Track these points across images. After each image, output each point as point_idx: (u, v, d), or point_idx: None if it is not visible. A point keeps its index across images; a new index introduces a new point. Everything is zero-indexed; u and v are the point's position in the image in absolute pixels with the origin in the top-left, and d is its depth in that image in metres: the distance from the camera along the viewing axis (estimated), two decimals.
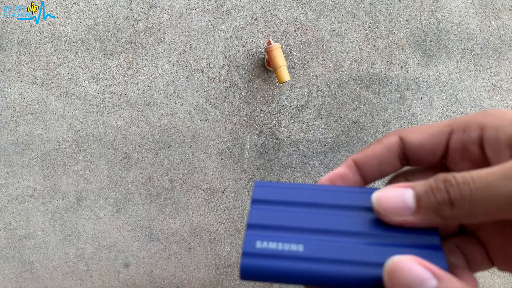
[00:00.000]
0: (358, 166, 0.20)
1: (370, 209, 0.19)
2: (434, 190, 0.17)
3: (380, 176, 0.21)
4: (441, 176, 0.17)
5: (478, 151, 0.18)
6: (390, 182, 0.22)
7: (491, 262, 0.20)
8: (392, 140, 0.20)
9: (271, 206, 0.20)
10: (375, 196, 0.18)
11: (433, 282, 0.15)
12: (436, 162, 0.20)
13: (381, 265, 0.17)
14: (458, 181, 0.16)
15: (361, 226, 0.19)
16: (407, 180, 0.21)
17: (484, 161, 0.18)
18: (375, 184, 0.68)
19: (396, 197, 0.18)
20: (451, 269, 0.19)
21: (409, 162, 0.21)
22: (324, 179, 0.21)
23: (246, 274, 0.17)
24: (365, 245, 0.18)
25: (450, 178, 0.16)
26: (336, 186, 0.21)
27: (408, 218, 0.17)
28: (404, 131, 0.20)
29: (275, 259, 0.17)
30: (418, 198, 0.17)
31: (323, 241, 0.18)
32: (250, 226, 0.19)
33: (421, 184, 0.17)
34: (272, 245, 0.18)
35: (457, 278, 0.16)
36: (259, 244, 0.18)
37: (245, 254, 0.18)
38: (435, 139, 0.19)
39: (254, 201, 0.20)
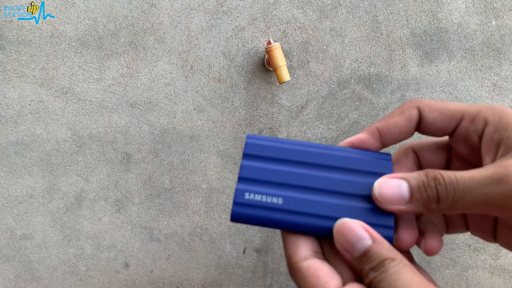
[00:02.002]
0: (381, 134, 0.23)
1: (347, 169, 0.23)
2: (425, 186, 0.20)
3: (397, 142, 0.23)
4: (431, 173, 0.20)
5: (477, 140, 0.21)
6: (398, 154, 0.25)
7: (467, 228, 0.25)
8: (413, 113, 0.23)
9: (260, 162, 0.24)
10: (377, 186, 0.21)
11: (368, 241, 0.19)
12: (442, 136, 0.23)
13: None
14: (446, 182, 0.19)
15: (335, 186, 0.23)
16: (415, 151, 0.25)
17: (478, 150, 0.22)
18: None
19: (394, 188, 0.20)
20: (424, 230, 0.23)
21: (420, 131, 0.23)
22: (345, 142, 0.24)
23: (235, 218, 0.22)
24: (333, 202, 0.22)
25: (439, 177, 0.19)
26: (322, 145, 0.24)
27: (402, 207, 0.20)
28: (423, 103, 0.23)
29: (258, 208, 0.22)
30: (411, 191, 0.20)
31: (299, 196, 0.22)
32: (240, 179, 0.23)
33: (414, 178, 0.20)
34: (257, 197, 0.22)
35: (389, 244, 0.20)
36: (247, 196, 0.22)
37: (235, 203, 0.22)
38: (447, 120, 0.22)
39: (245, 155, 0.24)
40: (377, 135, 0.23)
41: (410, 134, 0.23)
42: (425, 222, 0.24)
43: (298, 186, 0.23)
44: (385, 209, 0.21)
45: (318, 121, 0.63)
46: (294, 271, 0.21)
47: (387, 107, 0.63)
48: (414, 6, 0.61)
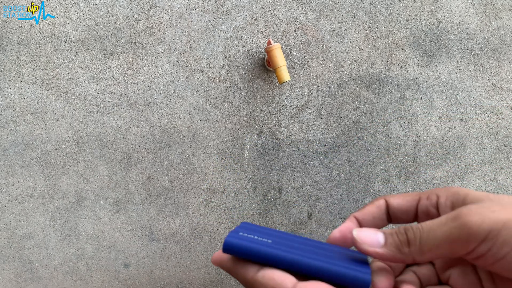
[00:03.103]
0: (359, 221, 0.29)
1: (328, 249, 0.27)
2: (397, 233, 0.24)
3: (375, 227, 0.28)
4: (403, 226, 0.24)
5: (436, 212, 0.26)
6: None
7: (439, 279, 0.28)
8: (380, 202, 0.29)
9: (251, 230, 0.27)
10: (355, 231, 0.25)
11: (380, 236, 0.25)
12: (410, 221, 0.28)
13: (321, 261, 0.24)
14: (413, 228, 0.24)
15: (316, 246, 0.27)
16: None
17: None
18: None
19: (370, 233, 0.25)
20: (399, 283, 0.27)
21: (392, 220, 0.29)
22: (335, 232, 0.29)
23: (228, 248, 0.24)
24: (313, 250, 0.25)
25: (408, 227, 0.24)
26: (306, 238, 0.29)
27: (378, 250, 0.24)
28: (388, 196, 0.29)
29: (249, 241, 0.24)
30: (386, 237, 0.24)
31: (286, 242, 0.26)
32: (239, 226, 0.27)
33: (389, 230, 0.25)
34: (250, 235, 0.25)
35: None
36: (241, 233, 0.26)
37: (229, 235, 0.25)
38: (408, 203, 0.28)
39: (237, 228, 0.27)
40: (357, 223, 0.28)
41: (383, 222, 0.29)
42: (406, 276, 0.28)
43: (286, 239, 0.27)
44: (363, 250, 0.24)
45: (318, 121, 0.63)
46: (252, 285, 0.24)
47: (387, 107, 0.64)
48: (414, 6, 0.61)
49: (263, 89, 0.62)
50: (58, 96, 0.60)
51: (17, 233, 0.64)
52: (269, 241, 0.25)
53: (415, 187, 0.66)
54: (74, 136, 0.61)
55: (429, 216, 0.27)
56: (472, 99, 0.64)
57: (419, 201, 0.27)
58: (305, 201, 0.66)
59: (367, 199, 0.66)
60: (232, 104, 0.62)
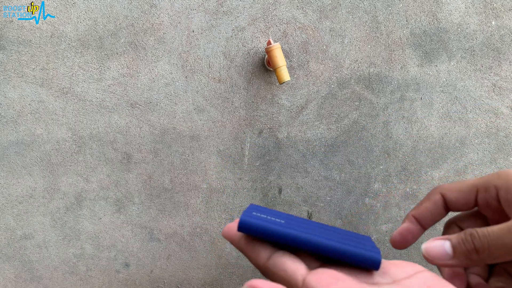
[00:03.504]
0: (417, 219, 0.29)
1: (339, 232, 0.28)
2: (464, 242, 0.24)
3: (434, 222, 0.29)
4: (468, 231, 0.25)
5: (497, 204, 0.26)
6: (445, 228, 0.30)
7: None
8: (437, 197, 0.28)
9: (262, 211, 0.28)
10: (424, 247, 0.26)
11: (447, 242, 0.25)
12: (470, 209, 0.28)
13: (332, 241, 0.24)
14: (479, 235, 0.24)
15: (324, 228, 0.27)
16: (458, 225, 0.30)
17: (502, 211, 0.26)
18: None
19: (438, 247, 0.25)
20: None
21: (452, 210, 0.29)
22: (396, 234, 0.29)
23: (243, 226, 0.24)
24: (324, 231, 0.26)
25: (474, 233, 0.24)
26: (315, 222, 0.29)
27: (448, 262, 0.25)
28: (443, 188, 0.28)
29: (263, 221, 0.25)
30: (454, 247, 0.25)
31: (297, 223, 0.26)
32: (249, 207, 0.27)
33: (454, 237, 0.25)
34: (263, 215, 0.26)
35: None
36: (254, 213, 0.26)
37: (243, 214, 0.25)
38: (466, 197, 0.27)
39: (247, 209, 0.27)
40: (416, 221, 0.29)
41: (441, 215, 0.29)
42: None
43: (298, 220, 0.27)
44: (435, 264, 0.25)
45: (318, 121, 0.63)
46: (264, 271, 0.24)
47: (387, 107, 0.64)
48: (414, 6, 0.61)
49: (263, 89, 0.62)
50: (58, 96, 0.60)
51: (17, 233, 0.64)
52: (282, 221, 0.25)
53: (415, 187, 0.66)
54: (74, 136, 0.61)
55: (491, 208, 0.27)
56: (472, 99, 0.64)
57: (477, 193, 0.27)
58: (305, 201, 0.66)
59: (367, 199, 0.66)
60: (232, 104, 0.62)
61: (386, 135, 0.64)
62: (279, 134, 0.63)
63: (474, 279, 0.28)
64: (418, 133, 0.65)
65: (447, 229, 0.30)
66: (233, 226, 0.27)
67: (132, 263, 0.66)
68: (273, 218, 0.25)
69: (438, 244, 0.25)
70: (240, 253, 0.67)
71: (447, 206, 0.28)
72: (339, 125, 0.64)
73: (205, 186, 0.64)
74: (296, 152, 0.64)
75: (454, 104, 0.64)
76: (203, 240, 0.66)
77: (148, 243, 0.65)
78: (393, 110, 0.64)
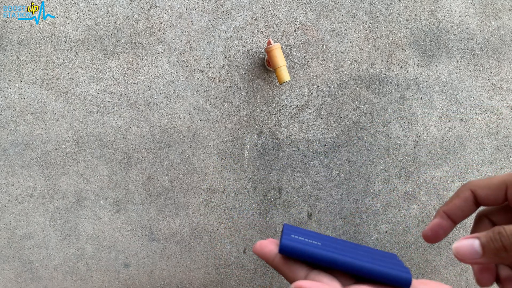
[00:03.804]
0: (448, 215, 0.30)
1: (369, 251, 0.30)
2: (492, 240, 0.25)
3: (464, 218, 0.30)
4: (496, 229, 0.25)
5: None
6: (476, 221, 0.31)
7: None
8: (467, 194, 0.29)
9: (298, 233, 0.29)
10: (454, 247, 0.27)
11: (476, 241, 0.26)
12: (500, 204, 0.29)
13: (364, 262, 0.26)
14: (507, 233, 0.24)
15: (356, 248, 0.29)
16: (488, 218, 0.30)
17: None
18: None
19: (468, 246, 0.26)
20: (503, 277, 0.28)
21: (481, 206, 0.29)
22: (427, 230, 0.30)
23: (285, 250, 0.26)
24: (356, 252, 0.28)
25: (502, 230, 0.25)
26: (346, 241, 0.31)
27: (478, 260, 0.26)
28: (473, 185, 0.29)
29: (304, 244, 0.26)
30: (483, 246, 0.25)
31: (332, 245, 0.28)
32: (286, 228, 0.29)
33: (483, 235, 0.26)
34: (301, 238, 0.28)
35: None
36: (293, 236, 0.28)
37: (284, 238, 0.27)
38: (496, 192, 0.28)
39: (284, 232, 0.29)
40: (446, 217, 0.30)
41: (472, 210, 0.29)
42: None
43: (333, 242, 0.29)
44: (465, 263, 0.26)
45: (318, 121, 0.63)
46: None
47: (387, 107, 0.64)
48: (414, 6, 0.61)
49: (263, 89, 0.62)
50: (58, 96, 0.60)
51: (17, 233, 0.64)
52: (319, 243, 0.27)
53: (415, 187, 0.66)
54: (74, 136, 0.61)
55: None
56: (472, 99, 0.64)
57: (506, 189, 0.28)
58: (305, 201, 0.66)
59: (367, 199, 0.66)
60: (232, 104, 0.62)
61: (386, 135, 0.64)
62: (279, 134, 0.63)
63: (504, 271, 0.28)
64: (418, 133, 0.65)
65: (478, 222, 0.30)
66: (266, 244, 0.28)
67: (132, 263, 0.66)
68: (310, 241, 0.27)
69: (467, 243, 0.26)
70: (240, 253, 0.67)
71: (477, 202, 0.29)
72: (339, 125, 0.64)
73: (205, 186, 0.64)
74: (296, 152, 0.64)
75: (454, 104, 0.64)
76: (203, 240, 0.66)
77: (148, 243, 0.65)
78: (393, 110, 0.64)
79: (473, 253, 0.25)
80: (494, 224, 0.30)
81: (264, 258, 0.28)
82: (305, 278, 0.26)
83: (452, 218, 0.29)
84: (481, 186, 0.28)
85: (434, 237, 0.30)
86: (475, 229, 0.31)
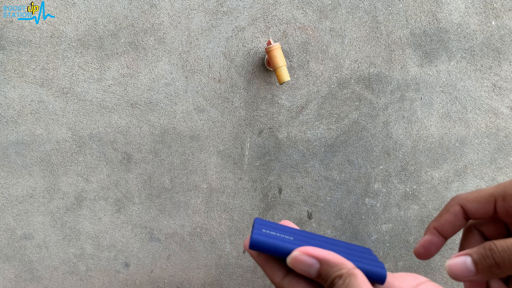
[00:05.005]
0: (438, 231, 0.29)
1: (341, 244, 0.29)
2: (484, 257, 0.25)
3: (455, 232, 0.30)
4: (487, 245, 0.25)
5: None
6: (465, 232, 0.31)
7: None
8: (456, 209, 0.29)
9: (270, 225, 0.29)
10: (447, 266, 0.26)
11: (317, 265, 0.24)
12: (489, 217, 0.29)
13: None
14: (499, 249, 0.24)
15: (331, 243, 0.29)
16: (477, 228, 0.30)
17: None
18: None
19: (461, 264, 0.26)
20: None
21: (471, 219, 0.29)
22: (419, 247, 0.30)
23: (254, 245, 0.25)
24: (331, 247, 0.27)
25: (493, 247, 0.25)
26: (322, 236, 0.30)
27: (472, 278, 0.25)
28: (461, 199, 0.29)
29: (273, 238, 0.26)
30: (475, 263, 0.25)
31: (305, 239, 0.27)
32: (257, 222, 0.28)
33: (475, 251, 0.26)
34: (273, 233, 0.27)
35: (338, 260, 0.24)
36: (264, 230, 0.27)
37: (254, 232, 0.26)
38: (486, 206, 0.28)
39: (255, 225, 0.28)
40: (437, 233, 0.29)
41: (462, 225, 0.29)
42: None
43: (305, 236, 0.28)
44: (459, 281, 0.26)
45: (318, 121, 0.63)
46: None
47: (387, 107, 0.64)
48: (414, 6, 0.61)
49: (263, 89, 0.62)
50: (58, 96, 0.60)
51: (17, 233, 0.64)
52: (291, 238, 0.26)
53: (415, 187, 0.66)
54: (74, 136, 0.61)
55: (509, 214, 0.28)
56: (472, 99, 0.64)
57: (495, 202, 0.28)
58: (305, 201, 0.66)
59: (367, 199, 0.66)
60: (232, 104, 0.62)
61: (386, 135, 0.64)
62: (279, 134, 0.63)
63: (496, 284, 0.28)
64: (418, 133, 0.65)
65: (467, 234, 0.30)
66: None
67: (132, 263, 0.66)
68: (282, 235, 0.26)
69: (460, 261, 0.26)
70: (240, 253, 0.67)
71: (467, 216, 0.29)
72: (339, 125, 0.64)
73: (205, 186, 0.64)
74: (296, 152, 0.64)
75: (454, 104, 0.64)
76: (203, 240, 0.66)
77: (148, 243, 0.65)
78: (393, 110, 0.64)
79: (467, 271, 0.26)
80: (483, 234, 0.30)
81: (251, 255, 0.28)
82: (283, 278, 0.26)
83: (443, 233, 0.29)
84: (470, 200, 0.28)
85: (426, 254, 0.30)
86: (464, 241, 0.31)
